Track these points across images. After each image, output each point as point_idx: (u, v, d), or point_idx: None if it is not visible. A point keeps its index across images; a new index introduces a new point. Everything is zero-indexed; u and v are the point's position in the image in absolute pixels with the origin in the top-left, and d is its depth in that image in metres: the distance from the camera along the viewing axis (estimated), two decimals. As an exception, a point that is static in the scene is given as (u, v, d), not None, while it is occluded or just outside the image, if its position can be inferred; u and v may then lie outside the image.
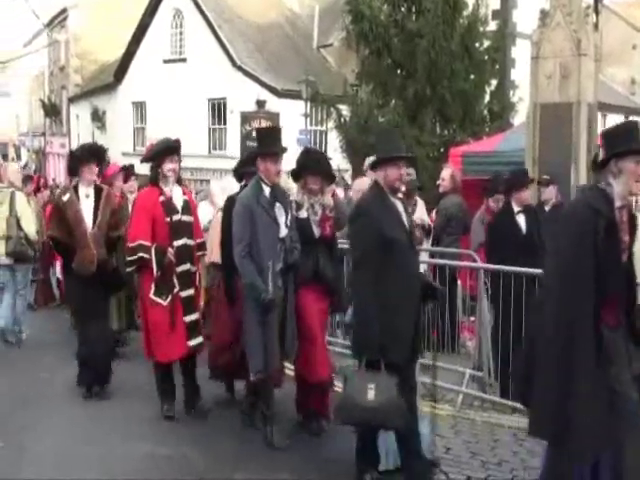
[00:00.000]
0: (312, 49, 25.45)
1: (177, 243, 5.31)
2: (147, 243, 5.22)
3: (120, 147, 24.83)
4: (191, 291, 5.39)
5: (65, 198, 5.86)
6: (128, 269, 5.53)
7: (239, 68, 22.16)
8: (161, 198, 5.32)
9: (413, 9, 14.52)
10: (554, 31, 7.75)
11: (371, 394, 3.86)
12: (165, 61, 24.48)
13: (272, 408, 4.84)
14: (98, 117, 29.34)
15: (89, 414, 5.64)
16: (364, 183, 7.63)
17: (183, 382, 5.50)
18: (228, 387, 5.86)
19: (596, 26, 8.20)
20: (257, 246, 4.74)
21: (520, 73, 16.65)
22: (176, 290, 5.27)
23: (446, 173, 7.94)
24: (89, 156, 6.01)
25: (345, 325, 6.37)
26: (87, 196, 5.93)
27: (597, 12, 8.70)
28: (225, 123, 22.92)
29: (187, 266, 5.37)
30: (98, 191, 6.04)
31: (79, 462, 4.66)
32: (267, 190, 4.86)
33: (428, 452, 4.33)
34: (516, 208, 6.16)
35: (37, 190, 9.96)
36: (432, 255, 7.11)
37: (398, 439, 4.14)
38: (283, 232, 4.86)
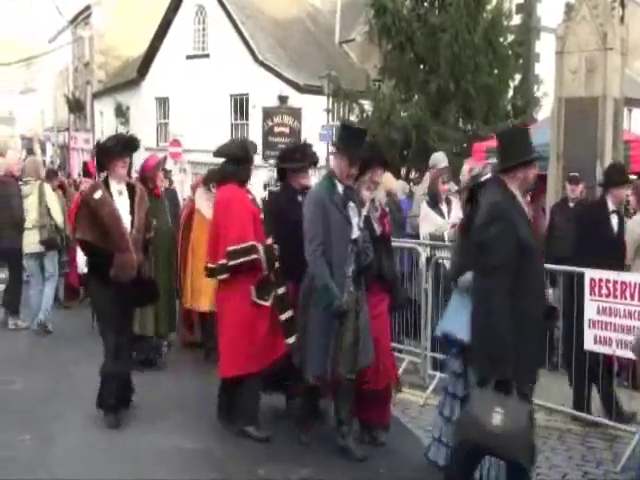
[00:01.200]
0: (334, 44, 25.41)
1: (269, 241, 5.05)
2: (256, 243, 4.89)
3: (143, 142, 25.00)
4: (284, 288, 5.07)
5: (97, 196, 5.05)
6: (221, 276, 4.98)
7: (261, 63, 22.20)
8: (249, 196, 5.17)
9: (436, 3, 14.43)
10: (579, 25, 7.66)
11: (497, 418, 3.41)
12: (188, 57, 24.60)
13: (347, 416, 4.70)
14: (122, 113, 29.58)
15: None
16: (388, 179, 7.67)
17: (265, 386, 5.21)
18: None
19: (622, 19, 8.07)
20: (328, 246, 4.52)
21: (544, 68, 16.46)
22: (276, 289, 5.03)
23: (466, 168, 7.91)
24: (122, 149, 5.24)
25: (437, 338, 6.21)
26: (120, 193, 5.20)
27: (623, 5, 8.59)
28: (247, 119, 22.98)
29: (276, 263, 5.08)
30: (130, 188, 5.36)
31: (105, 454, 4.73)
32: (340, 188, 4.62)
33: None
34: (611, 207, 5.56)
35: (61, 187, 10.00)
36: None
37: (509, 471, 3.75)
38: (355, 233, 4.62)
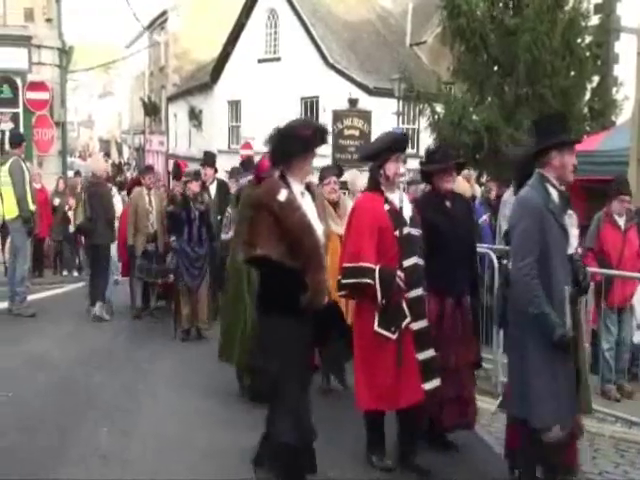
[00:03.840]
0: (404, 46, 25.27)
1: (407, 263, 4.28)
2: (372, 265, 4.17)
3: (215, 145, 25.51)
4: (424, 322, 4.35)
5: (282, 197, 3.83)
6: (339, 292, 4.42)
7: (331, 66, 22.30)
8: (386, 207, 4.29)
9: (511, 4, 14.15)
10: (663, 25, 7.39)
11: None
12: (260, 60, 24.93)
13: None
14: (195, 116, 30.22)
15: (188, 404, 5.85)
16: (459, 183, 7.59)
17: (399, 432, 4.53)
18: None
19: None
20: (544, 264, 3.74)
21: (624, 69, 15.92)
22: (407, 321, 4.27)
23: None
24: (320, 139, 4.03)
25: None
26: (302, 194, 4.01)
27: None
28: (317, 121, 23.09)
29: (419, 291, 4.33)
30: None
31: (181, 450, 4.83)
32: (555, 193, 3.86)
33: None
34: None
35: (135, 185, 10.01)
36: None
37: None
38: (572, 247, 3.94)
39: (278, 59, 24.42)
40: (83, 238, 9.86)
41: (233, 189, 9.16)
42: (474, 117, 13.87)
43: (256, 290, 4.33)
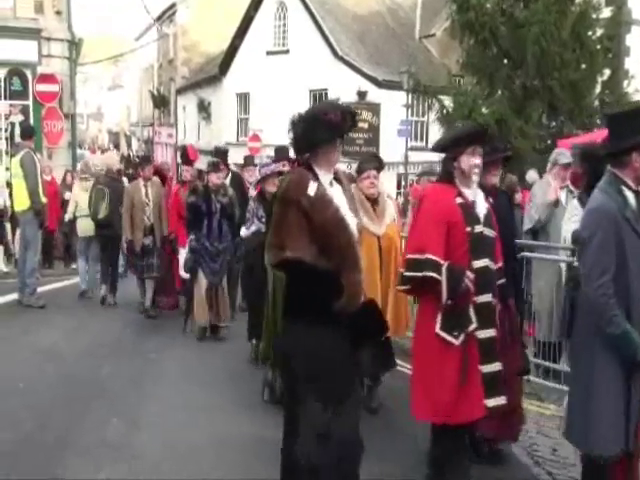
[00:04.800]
0: (413, 39, 25.20)
1: (477, 264, 3.85)
2: (439, 259, 3.75)
3: (224, 137, 25.54)
4: (492, 332, 3.89)
5: (312, 191, 3.43)
6: (401, 287, 4.05)
7: (340, 59, 22.27)
8: (458, 200, 3.88)
9: (521, -3, 14.08)
10: (675, 17, 7.31)
11: None
12: (268, 53, 24.92)
13: None
14: (204, 108, 30.24)
15: (197, 394, 5.87)
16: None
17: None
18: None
19: None
20: (623, 276, 3.39)
21: (635, 62, 15.84)
22: (472, 327, 3.80)
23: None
24: (350, 123, 3.60)
25: None
26: (331, 184, 3.59)
27: None
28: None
29: (488, 297, 3.89)
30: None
31: (186, 438, 4.86)
32: (631, 197, 3.48)
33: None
34: None
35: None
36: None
37: None
38: None
39: (287, 52, 24.40)
40: (97, 230, 9.82)
41: (248, 180, 9.11)
42: (484, 110, 13.84)
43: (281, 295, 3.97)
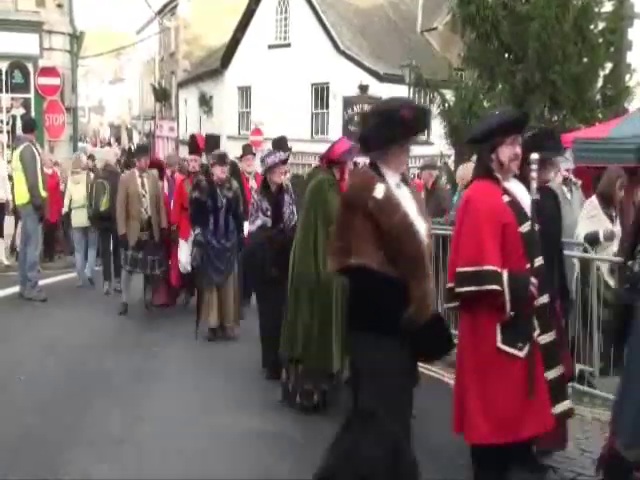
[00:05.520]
0: (415, 33, 25.14)
1: (534, 264, 3.60)
2: (497, 268, 3.40)
3: (225, 131, 25.52)
4: (552, 334, 3.68)
5: (379, 194, 3.22)
6: (450, 304, 3.71)
7: (342, 53, 22.23)
8: (505, 198, 3.54)
9: (523, -10, 14.03)
10: (678, 11, 7.30)
11: None
12: (270, 46, 24.88)
13: None
14: (205, 101, 30.22)
15: (199, 388, 5.90)
16: (469, 170, 7.55)
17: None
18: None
19: None
20: None
21: (637, 56, 15.76)
22: (536, 334, 3.56)
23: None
24: (424, 123, 3.41)
25: None
26: (398, 186, 3.37)
27: None
28: (327, 108, 23.08)
29: (545, 298, 3.66)
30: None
31: (189, 430, 4.88)
32: None
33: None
34: None
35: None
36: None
37: None
38: None
39: (288, 45, 24.36)
40: (98, 223, 9.92)
41: (246, 170, 8.86)
42: (485, 104, 13.81)
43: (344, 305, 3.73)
